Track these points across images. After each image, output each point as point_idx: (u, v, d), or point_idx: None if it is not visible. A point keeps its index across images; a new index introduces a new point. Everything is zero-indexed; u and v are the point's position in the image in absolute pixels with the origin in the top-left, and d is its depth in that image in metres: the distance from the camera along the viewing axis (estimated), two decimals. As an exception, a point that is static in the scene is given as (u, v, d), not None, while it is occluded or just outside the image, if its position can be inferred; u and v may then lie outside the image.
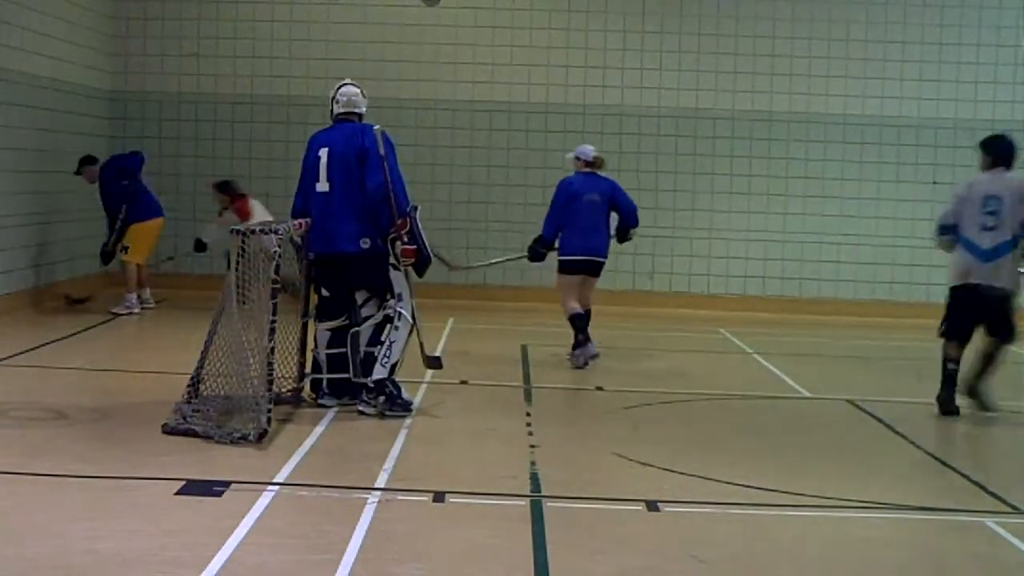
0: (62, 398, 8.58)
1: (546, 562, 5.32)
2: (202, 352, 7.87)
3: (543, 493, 6.47)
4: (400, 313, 8.31)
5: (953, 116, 15.24)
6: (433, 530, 5.81)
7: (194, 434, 7.32)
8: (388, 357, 8.24)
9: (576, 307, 10.54)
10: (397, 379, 8.31)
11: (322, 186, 8.38)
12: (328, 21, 15.25)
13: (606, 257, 10.73)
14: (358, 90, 8.66)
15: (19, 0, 12.48)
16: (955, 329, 9.08)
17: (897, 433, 8.46)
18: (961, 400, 8.98)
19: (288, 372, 8.47)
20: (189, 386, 7.83)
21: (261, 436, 7.21)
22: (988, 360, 9.01)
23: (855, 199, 15.38)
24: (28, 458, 6.80)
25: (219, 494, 6.14)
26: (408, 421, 8.10)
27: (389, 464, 6.93)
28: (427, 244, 8.37)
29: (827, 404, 9.62)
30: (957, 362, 9.04)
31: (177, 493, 6.14)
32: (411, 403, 8.39)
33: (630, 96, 15.29)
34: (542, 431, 7.99)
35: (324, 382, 8.50)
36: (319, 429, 7.80)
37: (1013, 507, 6.55)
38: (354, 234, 8.27)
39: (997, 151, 9.15)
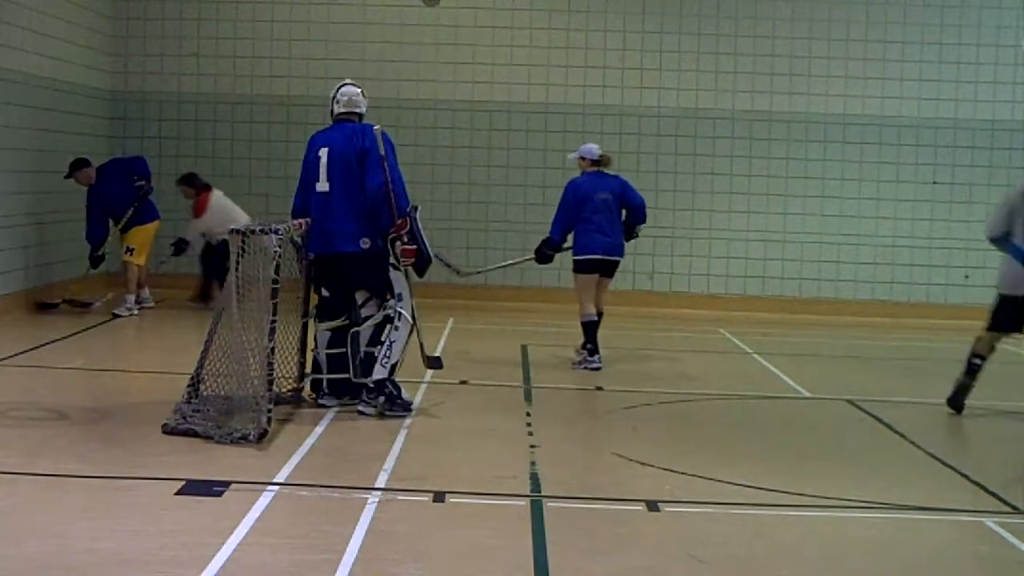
0: (62, 398, 8.58)
1: (546, 562, 5.32)
2: (202, 352, 7.87)
3: (543, 493, 6.47)
4: (400, 313, 8.30)
5: (953, 116, 15.24)
6: (433, 530, 5.81)
7: (194, 434, 7.32)
8: (388, 357, 8.24)
9: (592, 312, 10.48)
10: (397, 379, 8.31)
11: (322, 186, 8.37)
12: (328, 21, 15.25)
13: (622, 256, 10.67)
14: (358, 90, 8.66)
15: (19, 0, 12.48)
16: (1004, 321, 9.01)
17: (897, 433, 8.46)
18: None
19: (288, 372, 8.47)
20: (189, 386, 7.83)
21: (261, 436, 7.21)
22: None
23: (855, 199, 15.39)
24: (28, 458, 6.80)
25: (219, 494, 6.14)
26: (408, 421, 8.10)
27: (389, 464, 6.93)
28: (428, 244, 8.37)
29: (827, 404, 9.62)
30: (983, 358, 9.03)
31: (177, 493, 6.14)
32: (411, 403, 8.39)
33: (630, 96, 15.29)
34: (542, 431, 7.99)
35: (324, 382, 8.50)
36: (319, 429, 7.80)
37: (1013, 507, 6.55)
38: (354, 234, 8.27)
39: None
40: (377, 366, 8.24)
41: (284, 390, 8.32)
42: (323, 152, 8.40)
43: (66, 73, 13.81)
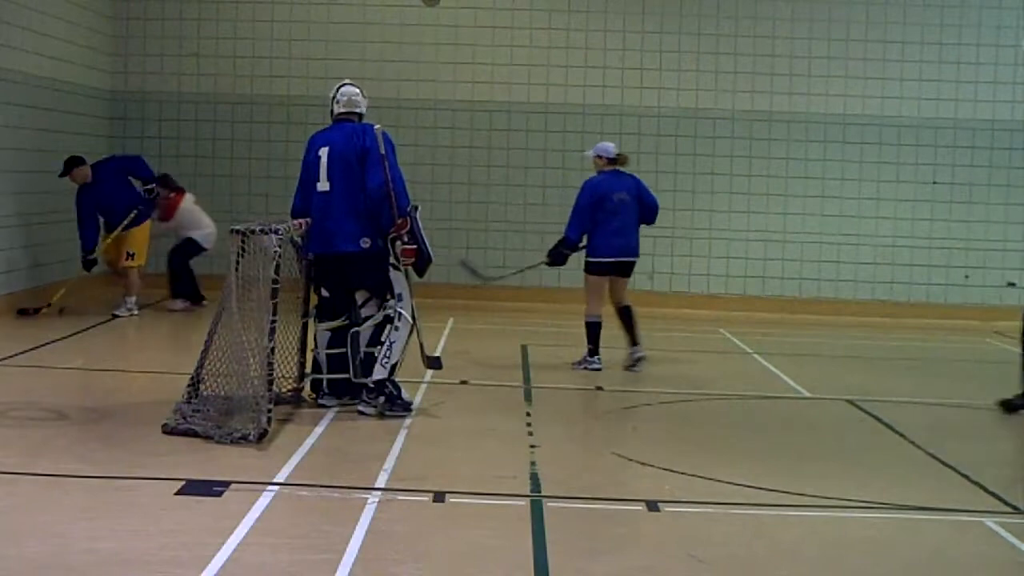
0: (62, 398, 8.58)
1: (546, 562, 5.32)
2: (202, 352, 7.87)
3: (543, 493, 6.47)
4: (400, 313, 8.30)
5: (953, 116, 15.24)
6: (433, 530, 5.81)
7: (194, 434, 7.32)
8: (388, 357, 8.24)
9: (599, 314, 10.41)
10: (397, 379, 8.31)
11: (322, 185, 8.37)
12: (328, 21, 15.25)
13: (638, 256, 10.61)
14: (358, 90, 8.66)
15: (19, 0, 12.48)
16: None
17: (897, 433, 8.46)
18: (964, 399, 8.98)
19: (288, 372, 8.47)
20: (189, 386, 7.83)
21: (261, 436, 7.21)
22: None
23: (855, 199, 15.39)
24: (28, 458, 6.80)
25: (219, 494, 6.14)
26: (408, 421, 8.10)
27: (389, 464, 6.92)
28: (428, 244, 8.37)
29: (827, 404, 9.61)
30: None
31: (177, 493, 6.14)
32: (411, 403, 8.39)
33: (630, 96, 15.29)
34: (542, 431, 7.99)
35: (324, 382, 8.50)
36: (319, 429, 7.80)
37: (1013, 507, 6.55)
38: (354, 234, 8.27)
39: None
40: (377, 366, 8.24)
41: (284, 390, 8.32)
42: (323, 152, 8.40)
43: (66, 73, 13.81)
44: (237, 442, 7.16)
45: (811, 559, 5.66)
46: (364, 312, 8.39)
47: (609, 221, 10.36)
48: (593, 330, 10.45)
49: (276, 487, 6.31)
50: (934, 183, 15.28)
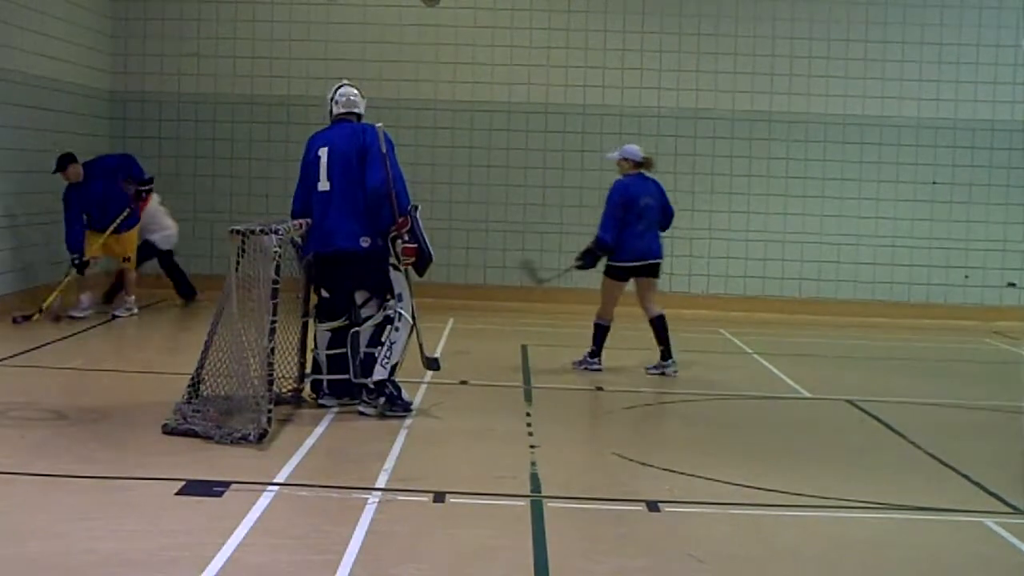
0: (61, 398, 8.58)
1: (546, 562, 5.32)
2: (202, 352, 7.87)
3: (543, 493, 6.47)
4: (400, 314, 8.30)
5: (953, 116, 15.24)
6: (433, 530, 5.81)
7: (194, 434, 7.32)
8: (388, 358, 8.24)
9: (609, 319, 10.38)
10: (397, 380, 8.31)
11: (323, 185, 8.36)
12: (328, 21, 15.25)
13: (662, 258, 10.56)
14: (356, 90, 8.66)
15: (19, 0, 12.48)
16: None
17: (897, 433, 8.46)
18: (963, 399, 8.97)
19: (288, 372, 8.47)
20: (189, 386, 7.84)
21: (261, 436, 7.21)
22: None
23: (855, 199, 15.38)
24: (28, 458, 6.81)
25: (219, 494, 6.14)
26: (408, 421, 8.10)
27: (389, 464, 6.93)
28: (429, 243, 8.37)
29: (827, 404, 9.61)
30: None
31: (177, 493, 6.14)
32: (411, 404, 8.39)
33: (630, 96, 15.29)
34: (542, 431, 7.99)
35: (324, 382, 8.50)
36: (319, 429, 7.79)
37: (1013, 507, 6.55)
38: (354, 233, 8.26)
39: None
40: (377, 367, 8.24)
41: (284, 390, 8.33)
42: (323, 151, 8.40)
43: (66, 73, 13.81)
44: (237, 442, 7.16)
45: (811, 559, 5.66)
46: (364, 312, 8.39)
47: (634, 224, 10.29)
48: (600, 332, 10.42)
49: (276, 487, 6.32)
50: (934, 183, 15.28)
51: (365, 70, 14.66)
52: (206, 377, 7.85)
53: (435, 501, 6.23)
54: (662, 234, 10.66)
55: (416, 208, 8.34)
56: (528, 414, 8.61)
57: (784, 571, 5.49)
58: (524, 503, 6.27)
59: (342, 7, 15.25)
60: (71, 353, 10.56)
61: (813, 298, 15.39)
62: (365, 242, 8.27)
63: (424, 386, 9.19)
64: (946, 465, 7.55)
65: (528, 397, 9.32)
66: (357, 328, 8.34)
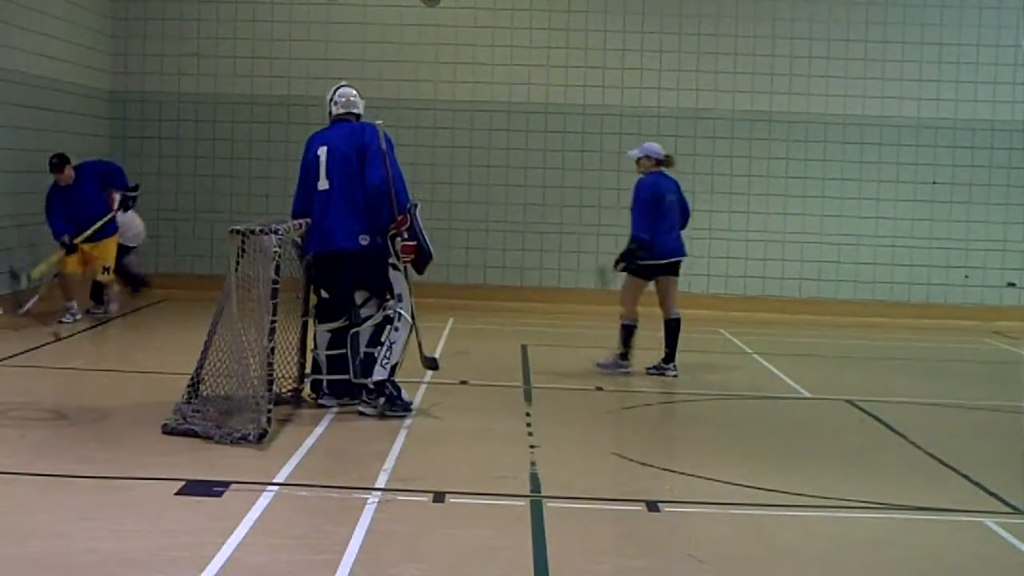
0: (61, 398, 8.59)
1: (546, 562, 5.32)
2: (202, 352, 7.87)
3: (543, 493, 6.47)
4: (400, 314, 8.30)
5: (953, 116, 15.24)
6: (433, 530, 5.81)
7: (194, 434, 7.32)
8: (388, 358, 8.24)
9: (635, 317, 10.32)
10: (397, 380, 8.31)
11: (322, 184, 8.36)
12: (328, 21, 15.25)
13: (685, 255, 10.57)
14: (355, 91, 8.67)
15: (19, 0, 12.48)
16: None
17: (897, 433, 8.46)
18: (963, 399, 8.97)
19: (288, 372, 8.47)
20: (189, 386, 7.84)
21: (261, 436, 7.21)
22: None
23: (855, 199, 15.39)
24: (28, 458, 6.81)
25: (219, 494, 6.14)
26: (408, 421, 8.10)
27: (389, 464, 6.93)
28: (428, 241, 8.37)
29: (827, 404, 9.61)
30: None
31: (177, 493, 6.14)
32: (411, 404, 8.39)
33: (630, 96, 15.29)
34: (542, 431, 7.99)
35: (324, 383, 8.50)
36: (319, 429, 7.80)
37: (1013, 507, 6.55)
38: (353, 231, 8.26)
39: None
40: (377, 367, 8.24)
41: (284, 390, 8.33)
42: (322, 151, 8.40)
43: (66, 73, 13.81)
44: (237, 442, 7.16)
45: (811, 559, 5.66)
46: (364, 312, 8.39)
47: (662, 222, 10.27)
48: (628, 332, 10.36)
49: (276, 487, 6.32)
50: (934, 183, 15.28)
51: (365, 70, 14.67)
52: (206, 377, 7.85)
53: (435, 501, 6.23)
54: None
55: (415, 206, 8.35)
56: (528, 414, 8.61)
57: (784, 571, 5.49)
58: (524, 503, 6.27)
59: (342, 7, 15.25)
60: (71, 353, 10.56)
61: (813, 298, 15.39)
62: (364, 240, 8.27)
63: (424, 386, 9.19)
64: (946, 465, 7.55)
65: (528, 397, 9.32)
66: (357, 328, 8.34)
